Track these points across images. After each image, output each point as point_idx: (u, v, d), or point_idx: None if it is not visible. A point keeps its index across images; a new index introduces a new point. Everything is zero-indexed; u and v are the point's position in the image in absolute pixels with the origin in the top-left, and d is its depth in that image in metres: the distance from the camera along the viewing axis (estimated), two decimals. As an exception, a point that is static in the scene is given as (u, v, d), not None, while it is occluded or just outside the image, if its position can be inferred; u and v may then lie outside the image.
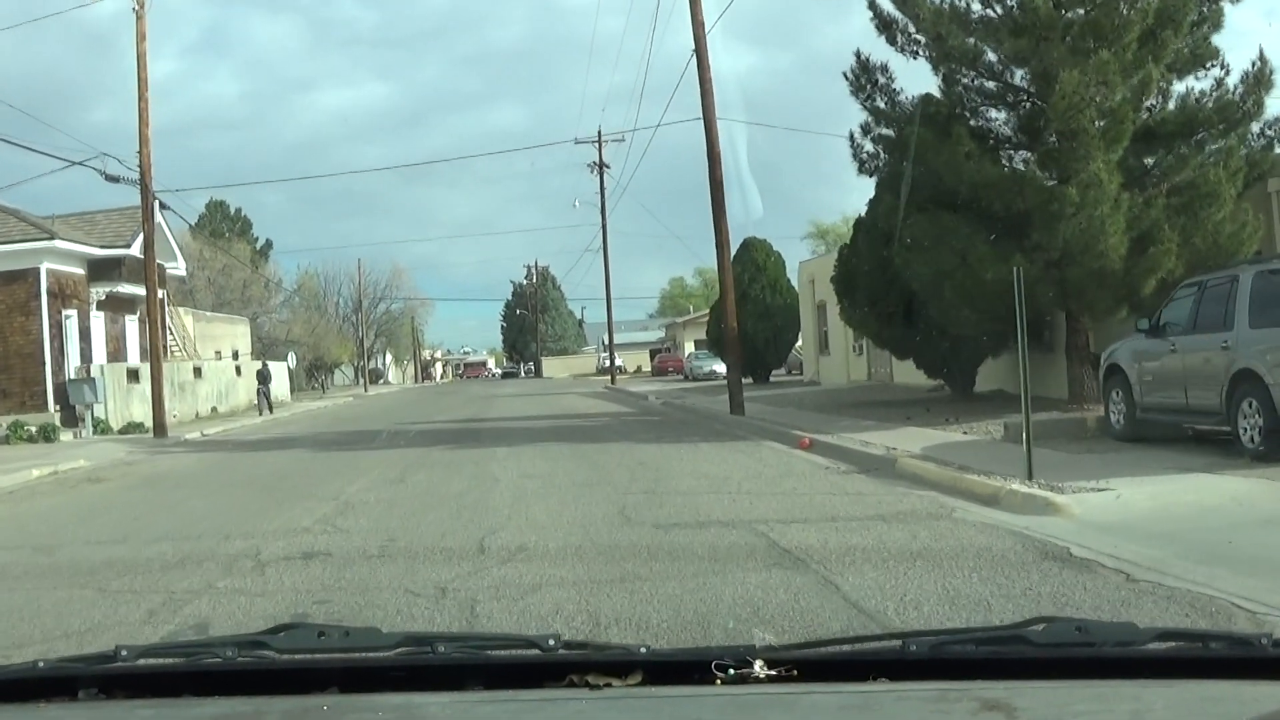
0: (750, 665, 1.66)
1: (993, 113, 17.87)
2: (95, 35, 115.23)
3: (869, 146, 18.38)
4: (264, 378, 34.39)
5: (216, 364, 36.08)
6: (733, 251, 37.50)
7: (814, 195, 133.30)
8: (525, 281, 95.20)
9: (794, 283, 39.54)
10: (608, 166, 47.94)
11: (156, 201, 22.36)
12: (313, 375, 64.24)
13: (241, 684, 1.69)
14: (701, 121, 20.41)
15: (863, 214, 22.58)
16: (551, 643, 1.73)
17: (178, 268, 32.17)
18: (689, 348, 61.09)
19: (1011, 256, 15.57)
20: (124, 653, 1.75)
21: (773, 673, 1.66)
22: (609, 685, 1.64)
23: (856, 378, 32.64)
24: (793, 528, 7.57)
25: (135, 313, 29.68)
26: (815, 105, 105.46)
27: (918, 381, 26.01)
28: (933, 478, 10.24)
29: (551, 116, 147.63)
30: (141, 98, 22.72)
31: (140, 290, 29.16)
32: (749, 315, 34.02)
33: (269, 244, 76.02)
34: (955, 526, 7.65)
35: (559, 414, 25.51)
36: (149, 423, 24.14)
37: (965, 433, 14.49)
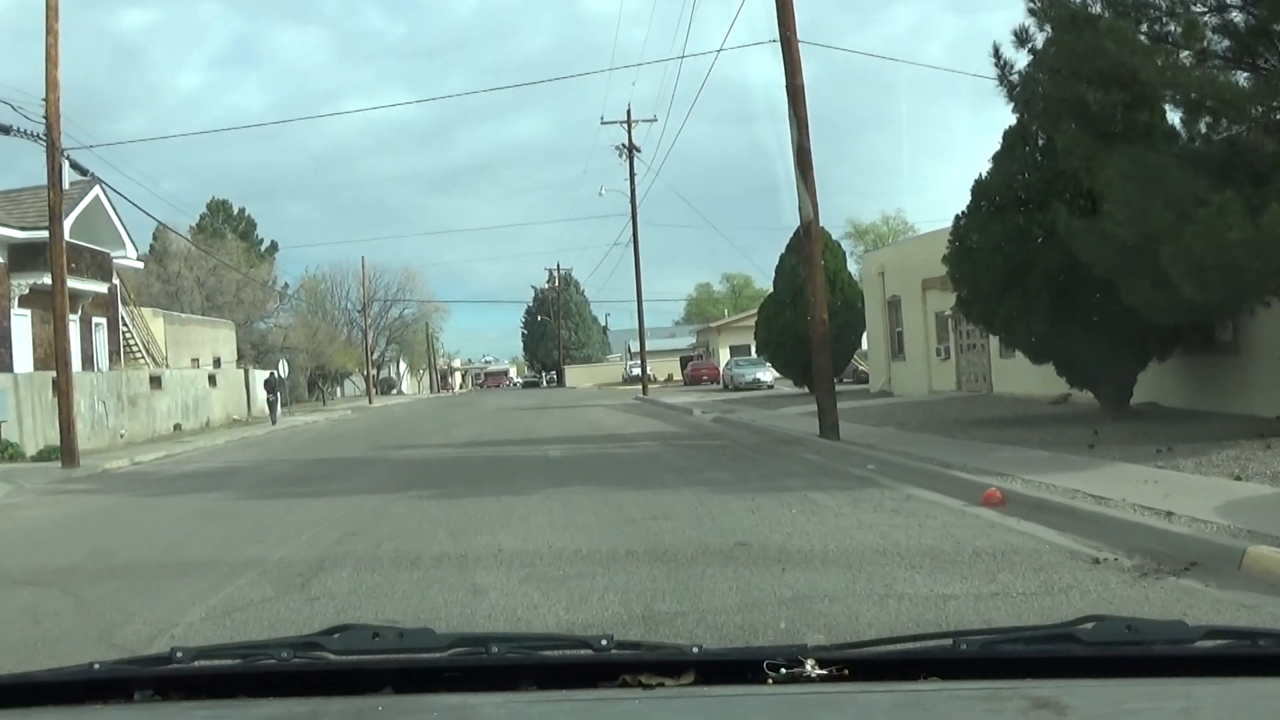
0: (802, 664, 1.62)
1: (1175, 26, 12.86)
2: (124, 47, 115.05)
3: (1022, 62, 13.15)
4: (272, 386, 33.82)
5: (183, 373, 30.83)
6: (782, 246, 32.35)
7: (848, 198, 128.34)
8: (547, 285, 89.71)
9: (855, 277, 34.32)
10: (638, 150, 42.61)
11: (66, 160, 17.14)
12: (315, 385, 59.16)
13: (296, 685, 1.67)
14: (778, 40, 15.07)
15: (983, 175, 17.26)
16: (604, 643, 1.70)
17: (126, 256, 26.89)
18: (724, 354, 56.05)
19: (1269, 206, 10.60)
20: (179, 654, 1.72)
21: (824, 672, 1.62)
22: (661, 685, 1.61)
23: (940, 387, 27.26)
24: None
25: (76, 311, 24.52)
26: (843, 113, 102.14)
27: (1028, 391, 21.08)
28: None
29: (577, 127, 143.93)
30: (50, 31, 17.61)
31: (82, 285, 24.13)
32: (804, 314, 28.56)
33: (274, 245, 71.00)
34: None
35: (587, 435, 20.05)
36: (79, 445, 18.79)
37: (1237, 477, 9.10)
